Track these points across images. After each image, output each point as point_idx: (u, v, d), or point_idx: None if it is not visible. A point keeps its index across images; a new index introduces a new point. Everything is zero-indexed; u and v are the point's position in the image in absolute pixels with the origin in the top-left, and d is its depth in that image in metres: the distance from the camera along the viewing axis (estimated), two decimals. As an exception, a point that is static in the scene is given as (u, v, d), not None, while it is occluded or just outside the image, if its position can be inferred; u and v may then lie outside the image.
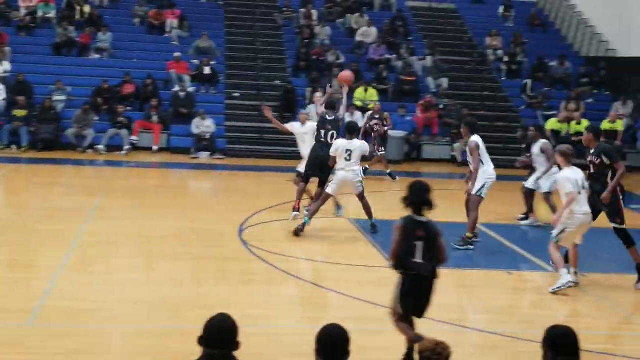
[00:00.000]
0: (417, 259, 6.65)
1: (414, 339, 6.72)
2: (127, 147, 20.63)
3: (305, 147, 13.39)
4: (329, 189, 12.31)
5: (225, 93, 23.11)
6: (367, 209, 12.51)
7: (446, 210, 14.27)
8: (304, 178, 12.89)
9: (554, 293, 9.63)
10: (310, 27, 25.23)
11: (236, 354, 4.56)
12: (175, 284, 9.42)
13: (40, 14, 24.40)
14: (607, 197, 10.02)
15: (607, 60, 25.06)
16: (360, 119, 21.86)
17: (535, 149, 13.44)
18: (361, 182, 12.41)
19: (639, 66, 22.73)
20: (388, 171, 18.11)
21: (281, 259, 10.68)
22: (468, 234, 11.81)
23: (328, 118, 12.73)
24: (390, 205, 15.09)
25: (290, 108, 21.99)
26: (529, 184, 13.69)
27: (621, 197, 10.28)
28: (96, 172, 18.91)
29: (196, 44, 24.18)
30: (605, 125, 22.06)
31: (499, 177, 12.22)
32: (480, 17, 28.24)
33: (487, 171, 11.78)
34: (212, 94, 22.98)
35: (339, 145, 12.18)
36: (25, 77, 21.47)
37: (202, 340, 4.53)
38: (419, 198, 6.68)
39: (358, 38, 25.38)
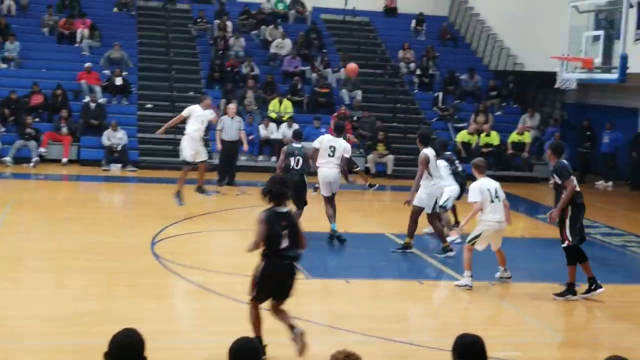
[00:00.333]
0: (285, 245, 7.24)
1: (291, 328, 7.27)
2: (35, 159, 20.11)
3: (190, 126, 14.23)
4: (324, 192, 12.67)
5: (138, 104, 22.80)
6: (330, 215, 12.73)
7: (359, 221, 14.44)
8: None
9: (457, 286, 10.44)
10: (224, 38, 25.15)
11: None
12: (85, 299, 9.22)
13: (-56, 21, 23.65)
14: (554, 216, 10.20)
15: (515, 74, 25.76)
16: (274, 131, 21.92)
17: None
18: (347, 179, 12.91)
19: (545, 80, 23.41)
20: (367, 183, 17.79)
21: (194, 272, 10.57)
22: (444, 244, 12.18)
23: (294, 146, 12.89)
24: (303, 216, 15.14)
25: (204, 119, 21.84)
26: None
27: (574, 215, 10.10)
28: (2, 185, 18.34)
29: (108, 54, 23.79)
30: (513, 137, 22.69)
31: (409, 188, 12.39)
32: (393, 30, 28.68)
33: (437, 185, 12.10)
34: (124, 105, 22.64)
35: (323, 139, 12.45)
36: None
37: (107, 356, 4.46)
38: (278, 190, 7.27)
39: (272, 50, 25.43)
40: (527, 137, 22.79)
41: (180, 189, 14.50)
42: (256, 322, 7.47)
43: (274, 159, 21.81)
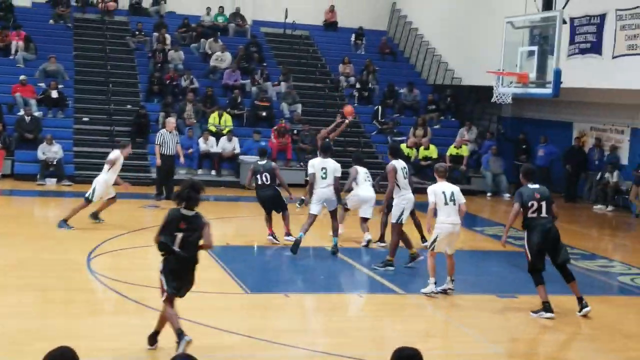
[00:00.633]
0: (176, 247, 7.62)
1: (177, 331, 7.60)
2: (-32, 173, 19.64)
3: (111, 173, 14.64)
4: (312, 210, 13.13)
5: (74, 117, 22.45)
6: (335, 229, 13.28)
7: (298, 234, 14.42)
8: (267, 212, 13.89)
9: (423, 293, 10.69)
10: (163, 51, 24.95)
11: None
12: (19, 316, 9.00)
13: None
14: (502, 241, 10.71)
15: (453, 88, 26.11)
16: (214, 145, 21.79)
17: None
18: (340, 200, 13.31)
19: (482, 94, 23.79)
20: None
21: (131, 287, 10.41)
22: (389, 257, 12.22)
23: (259, 163, 13.83)
24: (243, 230, 15.07)
25: (143, 133, 21.63)
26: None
27: (529, 240, 10.21)
28: None
29: (43, 66, 23.37)
30: (451, 150, 22.98)
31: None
32: (333, 44, 28.85)
33: (404, 195, 12.11)
34: (59, 118, 22.26)
35: (314, 164, 13.22)
36: None
37: (40, 375, 4.36)
38: (187, 194, 7.66)
39: (212, 63, 25.32)
40: (465, 151, 23.10)
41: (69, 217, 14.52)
42: (171, 318, 7.77)
43: (213, 172, 21.71)
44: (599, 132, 22.26)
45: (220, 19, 27.80)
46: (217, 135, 22.12)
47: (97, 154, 21.26)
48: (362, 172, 14.17)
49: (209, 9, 27.65)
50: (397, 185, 12.13)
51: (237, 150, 21.81)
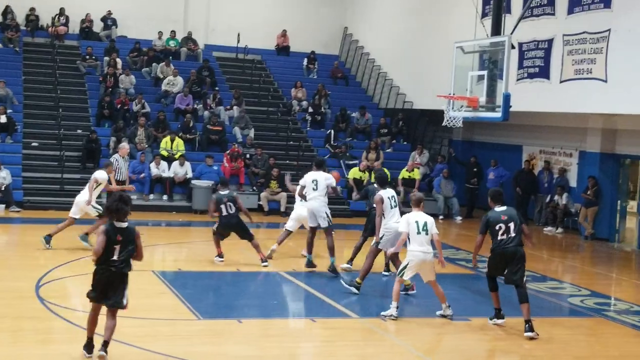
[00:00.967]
0: (115, 257, 8.17)
1: (89, 335, 8.35)
2: None
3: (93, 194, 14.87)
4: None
5: (23, 142, 22.10)
6: (331, 247, 13.45)
7: (251, 260, 14.34)
8: (219, 235, 14.18)
9: (383, 316, 10.83)
10: (114, 75, 24.76)
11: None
12: (-37, 347, 8.77)
13: None
14: (473, 262, 11.18)
15: (404, 112, 26.33)
16: (166, 169, 21.63)
17: None
18: (328, 215, 13.54)
19: (433, 118, 24.04)
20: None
21: (81, 315, 10.19)
22: (358, 280, 12.21)
23: (222, 193, 14.12)
24: (195, 255, 14.93)
25: (93, 158, 21.38)
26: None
27: (490, 260, 10.67)
28: None
29: (-9, 90, 23.03)
30: (403, 174, 23.12)
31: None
32: (285, 68, 28.93)
33: (387, 224, 12.06)
34: (8, 143, 21.88)
35: (306, 176, 13.76)
36: None
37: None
38: (116, 207, 8.21)
39: (164, 87, 25.19)
40: (417, 174, 23.26)
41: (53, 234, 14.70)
42: (91, 322, 8.37)
43: (165, 197, 21.52)
44: (548, 155, 22.61)
45: (172, 43, 27.71)
46: (169, 159, 21.96)
47: (46, 180, 21.01)
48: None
49: (160, 33, 27.55)
50: (383, 214, 12.12)
51: (189, 174, 21.67)
